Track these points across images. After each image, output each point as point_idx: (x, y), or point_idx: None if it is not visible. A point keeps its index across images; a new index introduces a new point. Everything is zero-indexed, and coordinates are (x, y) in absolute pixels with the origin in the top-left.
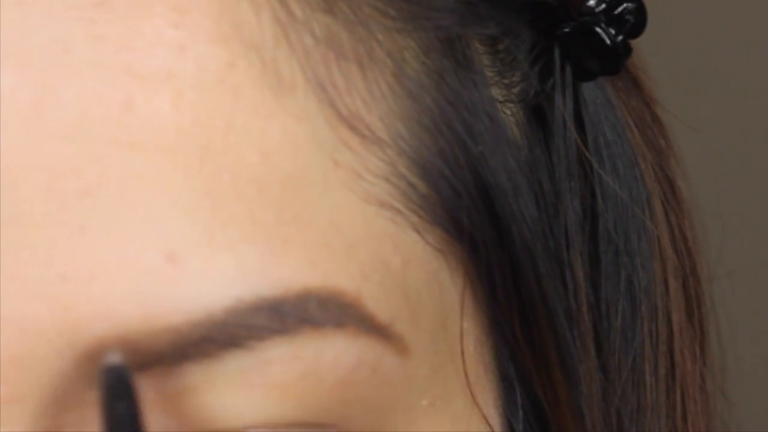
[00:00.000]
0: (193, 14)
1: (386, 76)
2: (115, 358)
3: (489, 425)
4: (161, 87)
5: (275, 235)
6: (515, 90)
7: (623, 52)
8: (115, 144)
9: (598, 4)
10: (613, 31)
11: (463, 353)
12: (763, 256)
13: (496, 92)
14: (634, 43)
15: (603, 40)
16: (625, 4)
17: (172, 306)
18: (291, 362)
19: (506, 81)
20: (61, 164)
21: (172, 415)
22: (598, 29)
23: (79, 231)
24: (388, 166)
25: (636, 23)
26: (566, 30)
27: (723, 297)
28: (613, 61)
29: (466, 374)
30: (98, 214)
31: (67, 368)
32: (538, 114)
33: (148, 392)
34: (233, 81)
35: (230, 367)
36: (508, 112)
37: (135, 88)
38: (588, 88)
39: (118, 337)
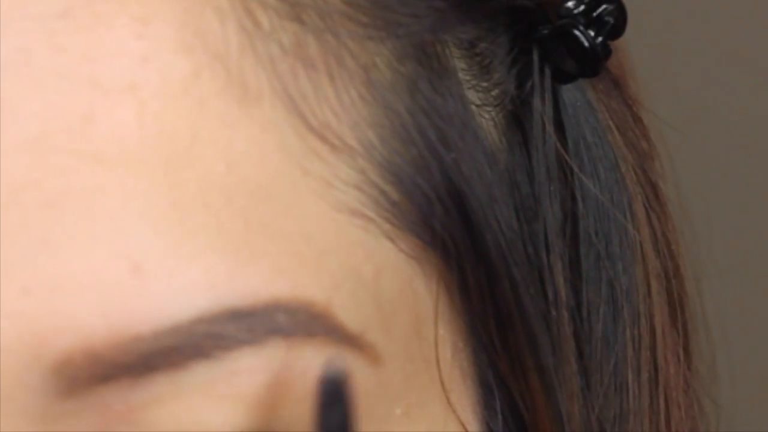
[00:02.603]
0: (157, 24)
1: (356, 85)
2: (334, 368)
3: (466, 431)
4: (124, 98)
5: (243, 244)
6: (493, 93)
7: (602, 53)
8: (77, 156)
9: (576, 5)
10: (592, 33)
11: (438, 360)
12: (753, 257)
13: (474, 96)
14: (623, 44)
15: (581, 43)
16: (604, 5)
17: (138, 317)
18: (259, 373)
19: (484, 84)
20: (23, 177)
21: (139, 424)
22: (576, 32)
23: (42, 244)
24: (359, 174)
25: (616, 24)
26: (544, 32)
27: (712, 298)
28: (592, 63)
29: (441, 381)
30: (61, 226)
31: (33, 382)
32: (517, 117)
33: (114, 403)
34: (198, 91)
35: (198, 377)
36: (487, 116)
37: (97, 100)
38: (568, 91)
39: (84, 350)
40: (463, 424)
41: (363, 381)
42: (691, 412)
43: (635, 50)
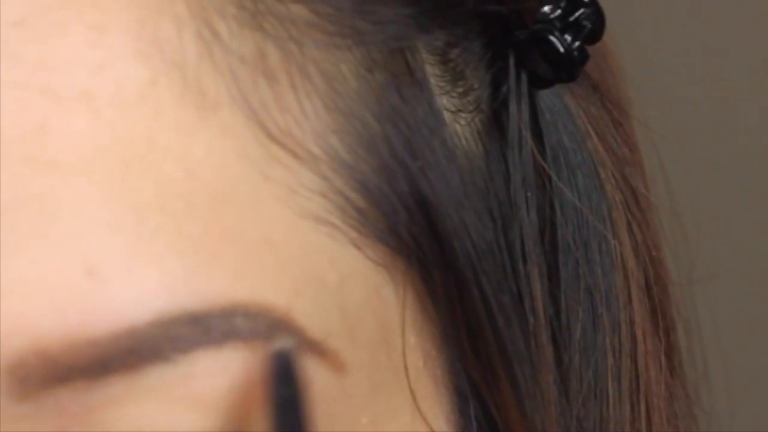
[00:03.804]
0: (112, 33)
1: (320, 93)
2: (284, 343)
3: None
4: (78, 106)
5: (202, 248)
6: (468, 99)
7: (579, 58)
8: (31, 163)
9: (552, 10)
10: (568, 38)
11: (407, 368)
12: (745, 260)
13: (448, 102)
14: (613, 45)
15: (556, 48)
16: (582, 10)
17: (94, 319)
18: (217, 376)
19: (459, 90)
20: None
21: (95, 426)
22: (551, 37)
23: None
24: (323, 181)
25: (593, 29)
26: (520, 37)
27: (704, 302)
28: (568, 69)
29: (411, 390)
30: (14, 232)
31: None
32: (494, 123)
33: (70, 405)
34: (154, 98)
35: (154, 379)
36: (462, 122)
37: (52, 108)
38: (545, 96)
39: (38, 352)
40: None
41: (327, 388)
42: (674, 420)
43: (626, 52)
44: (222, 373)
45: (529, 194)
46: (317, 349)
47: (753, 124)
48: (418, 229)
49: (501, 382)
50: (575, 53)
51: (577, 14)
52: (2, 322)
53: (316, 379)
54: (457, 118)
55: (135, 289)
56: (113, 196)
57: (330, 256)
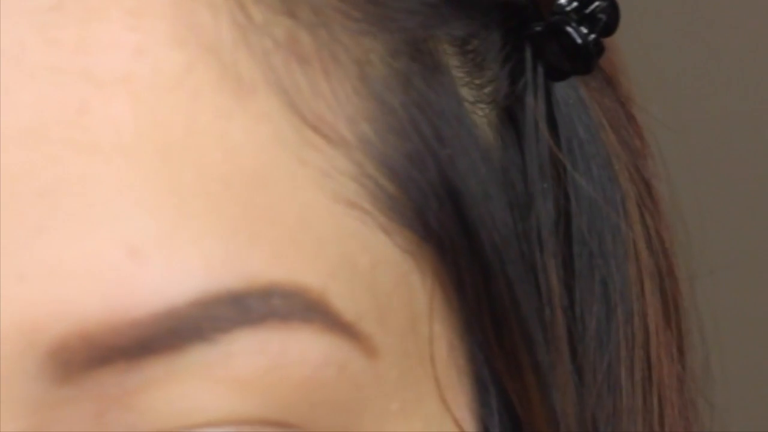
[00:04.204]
0: (149, 18)
1: (351, 79)
2: None
3: (461, 429)
4: (118, 90)
5: (241, 229)
6: (486, 90)
7: (595, 51)
8: (72, 146)
9: (569, 2)
10: (584, 30)
11: (432, 357)
12: (746, 255)
13: (467, 93)
14: (614, 41)
15: (573, 40)
16: (596, 2)
17: (136, 300)
18: (255, 355)
19: (477, 82)
20: (17, 167)
21: (135, 409)
22: (568, 28)
23: (37, 232)
24: (355, 166)
25: (608, 21)
26: (537, 29)
27: (705, 297)
28: (585, 61)
29: (436, 379)
30: (56, 214)
31: (29, 368)
32: (510, 114)
33: (110, 387)
34: (192, 83)
35: (194, 360)
36: (480, 113)
37: (91, 92)
38: (561, 88)
39: (80, 334)
40: (457, 422)
41: (360, 373)
42: (685, 412)
43: (626, 47)
44: (260, 352)
45: (545, 185)
46: (351, 331)
47: (755, 119)
48: (446, 217)
49: (524, 371)
50: (591, 45)
51: (592, 7)
52: (45, 306)
53: (350, 363)
54: (474, 109)
55: (176, 270)
56: (154, 178)
57: (362, 240)
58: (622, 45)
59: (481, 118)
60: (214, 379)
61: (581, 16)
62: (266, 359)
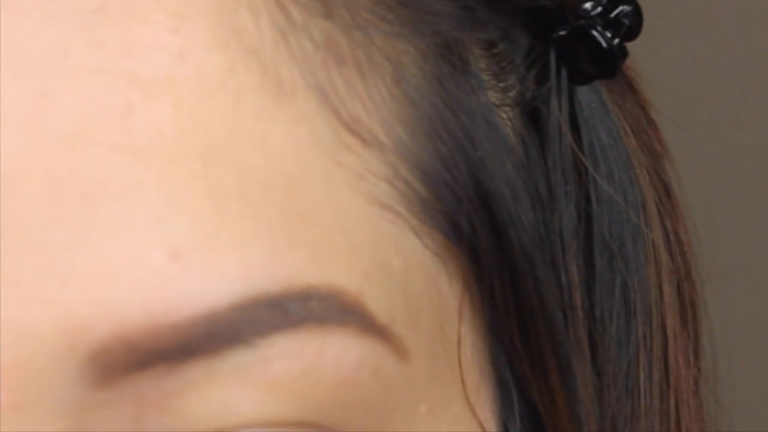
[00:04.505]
0: (192, 20)
1: (386, 81)
2: None
3: (485, 430)
4: (161, 93)
5: (280, 232)
6: (511, 94)
7: (619, 55)
8: (115, 149)
9: (594, 7)
10: (609, 35)
11: (459, 359)
12: (757, 259)
13: (493, 96)
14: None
15: (599, 44)
16: (621, 7)
17: (177, 304)
18: (293, 358)
19: (502, 85)
20: (61, 169)
21: (172, 412)
22: (594, 32)
23: (80, 235)
24: (389, 168)
25: (632, 26)
26: (562, 33)
27: (715, 301)
28: (609, 65)
29: (462, 381)
30: (99, 217)
31: (69, 372)
32: (533, 118)
33: (148, 391)
34: (233, 86)
35: (232, 363)
36: (504, 116)
37: (135, 94)
38: (583, 92)
39: (121, 337)
40: (481, 424)
41: (392, 374)
42: (700, 413)
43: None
44: (298, 356)
45: (567, 188)
46: (385, 333)
47: (763, 123)
48: (477, 219)
49: (550, 373)
50: (616, 49)
51: (617, 11)
52: (87, 310)
53: (383, 365)
54: (499, 112)
55: (216, 273)
56: (194, 181)
57: (395, 243)
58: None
59: (506, 121)
60: (251, 382)
61: (606, 21)
62: (303, 362)
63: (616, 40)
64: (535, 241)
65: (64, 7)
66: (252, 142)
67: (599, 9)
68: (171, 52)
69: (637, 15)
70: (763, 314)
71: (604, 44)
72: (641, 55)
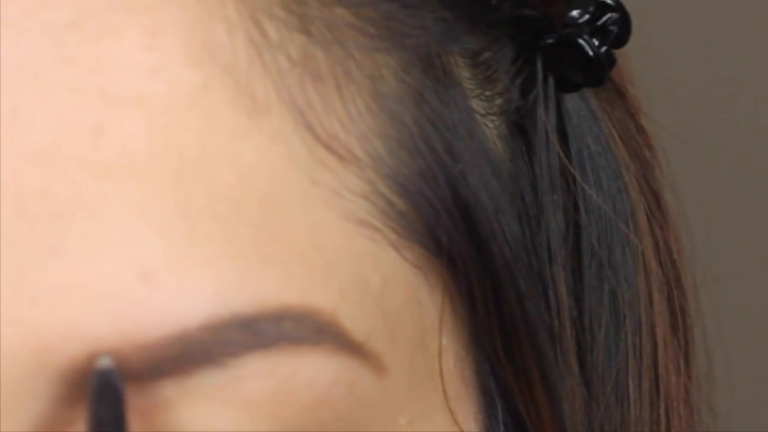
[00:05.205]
0: (165, 37)
1: (364, 96)
2: (104, 362)
3: None
4: (132, 110)
5: (253, 252)
6: (497, 102)
7: (607, 63)
8: (86, 167)
9: (581, 15)
10: (596, 42)
11: (441, 371)
12: (751, 263)
13: (478, 105)
14: (620, 52)
15: (585, 52)
16: (608, 15)
17: (147, 324)
18: (265, 378)
19: (488, 93)
20: (31, 187)
21: (146, 430)
22: (580, 41)
23: (50, 253)
24: (366, 184)
25: (620, 33)
26: (548, 42)
27: (710, 305)
28: (597, 73)
29: (444, 392)
30: (70, 235)
31: (39, 389)
32: (520, 126)
33: None
34: (207, 103)
35: (204, 383)
36: (490, 124)
37: (106, 112)
38: (571, 100)
39: (91, 356)
40: None
41: (367, 390)
42: (691, 422)
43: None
44: (270, 375)
45: (555, 197)
46: (361, 351)
47: (758, 127)
48: (457, 232)
49: (534, 384)
50: (603, 57)
51: (604, 19)
52: (57, 328)
53: (359, 382)
54: (485, 121)
55: (187, 293)
56: (165, 200)
57: (372, 258)
58: (629, 54)
59: (492, 129)
60: (224, 402)
61: (593, 29)
62: (276, 382)
63: (604, 48)
64: (519, 252)
65: (36, 23)
66: (225, 161)
67: (586, 17)
68: (143, 68)
69: (625, 22)
70: (758, 318)
71: (590, 52)
72: (635, 59)
